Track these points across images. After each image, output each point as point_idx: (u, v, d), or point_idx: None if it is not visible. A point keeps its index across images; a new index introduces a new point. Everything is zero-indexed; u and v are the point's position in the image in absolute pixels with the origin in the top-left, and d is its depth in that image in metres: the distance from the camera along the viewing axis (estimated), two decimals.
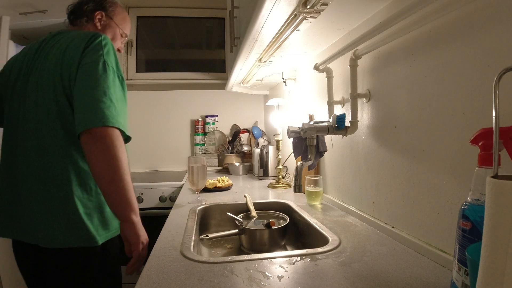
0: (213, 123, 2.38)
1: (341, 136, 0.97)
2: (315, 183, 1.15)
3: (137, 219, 0.80)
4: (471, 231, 0.42)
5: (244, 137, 2.40)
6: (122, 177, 0.77)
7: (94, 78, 0.80)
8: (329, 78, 1.07)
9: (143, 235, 0.82)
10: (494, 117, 0.34)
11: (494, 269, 0.30)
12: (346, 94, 1.02)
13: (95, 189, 0.84)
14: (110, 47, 0.88)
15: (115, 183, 0.76)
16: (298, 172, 1.01)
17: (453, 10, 0.55)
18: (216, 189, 1.44)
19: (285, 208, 1.15)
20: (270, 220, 0.96)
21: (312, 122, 0.97)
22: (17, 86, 0.89)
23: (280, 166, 1.55)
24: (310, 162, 1.07)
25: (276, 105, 1.65)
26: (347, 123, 0.92)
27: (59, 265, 0.81)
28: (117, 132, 0.78)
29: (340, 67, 1.05)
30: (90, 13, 1.06)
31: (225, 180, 1.53)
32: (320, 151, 1.10)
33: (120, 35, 1.11)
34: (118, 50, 1.14)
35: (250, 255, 0.69)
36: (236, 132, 2.31)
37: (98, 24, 1.06)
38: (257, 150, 1.89)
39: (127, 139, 0.84)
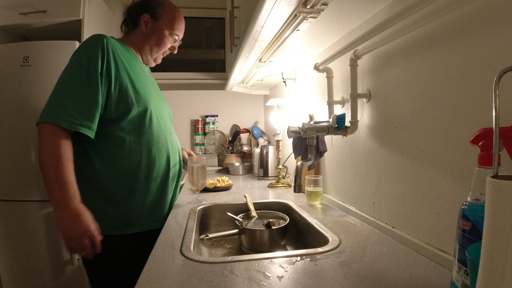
0: (213, 123, 2.38)
1: (341, 136, 0.97)
2: (315, 183, 1.15)
3: (60, 212, 0.82)
4: (471, 231, 0.42)
5: (244, 137, 2.40)
6: (44, 174, 0.82)
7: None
8: (329, 78, 1.07)
9: (68, 232, 0.82)
10: (494, 117, 0.34)
11: (494, 269, 0.30)
12: (346, 94, 1.01)
13: None
14: (83, 44, 0.92)
15: (43, 178, 0.82)
16: (298, 172, 1.01)
17: (453, 10, 0.55)
18: (216, 189, 1.44)
19: (285, 208, 1.15)
20: (270, 220, 0.96)
21: (312, 122, 0.97)
22: None
23: (280, 166, 1.55)
24: (310, 162, 1.07)
25: (276, 105, 1.65)
26: (347, 123, 0.92)
27: None
28: (46, 128, 0.82)
29: (340, 67, 1.04)
30: (136, 17, 1.07)
31: (225, 180, 1.53)
32: (320, 151, 1.10)
33: (168, 36, 1.08)
34: (171, 51, 1.13)
35: (250, 255, 0.69)
36: (236, 132, 2.31)
37: (144, 27, 1.06)
38: (257, 150, 1.89)
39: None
